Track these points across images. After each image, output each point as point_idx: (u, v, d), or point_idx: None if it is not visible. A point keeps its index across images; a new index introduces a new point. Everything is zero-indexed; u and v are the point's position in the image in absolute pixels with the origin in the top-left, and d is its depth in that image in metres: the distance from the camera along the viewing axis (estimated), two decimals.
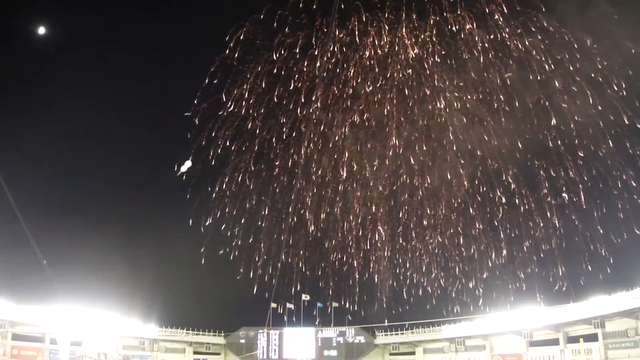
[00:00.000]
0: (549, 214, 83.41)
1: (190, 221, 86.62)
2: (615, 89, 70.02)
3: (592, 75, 71.29)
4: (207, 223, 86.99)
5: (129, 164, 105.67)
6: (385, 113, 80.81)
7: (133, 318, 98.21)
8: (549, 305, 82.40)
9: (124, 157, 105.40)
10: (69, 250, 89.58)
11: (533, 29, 71.86)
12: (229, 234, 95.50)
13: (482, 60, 74.80)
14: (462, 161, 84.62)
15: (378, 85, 79.23)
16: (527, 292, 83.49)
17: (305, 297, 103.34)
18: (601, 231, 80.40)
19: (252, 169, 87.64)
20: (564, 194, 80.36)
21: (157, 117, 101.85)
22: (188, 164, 53.45)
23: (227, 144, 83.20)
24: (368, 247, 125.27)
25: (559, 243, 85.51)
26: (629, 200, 77.14)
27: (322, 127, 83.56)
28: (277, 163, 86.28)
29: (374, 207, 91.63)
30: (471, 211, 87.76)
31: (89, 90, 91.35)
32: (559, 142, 78.34)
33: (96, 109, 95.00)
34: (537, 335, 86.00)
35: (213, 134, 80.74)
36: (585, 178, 78.71)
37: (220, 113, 79.93)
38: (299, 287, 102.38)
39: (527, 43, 72.65)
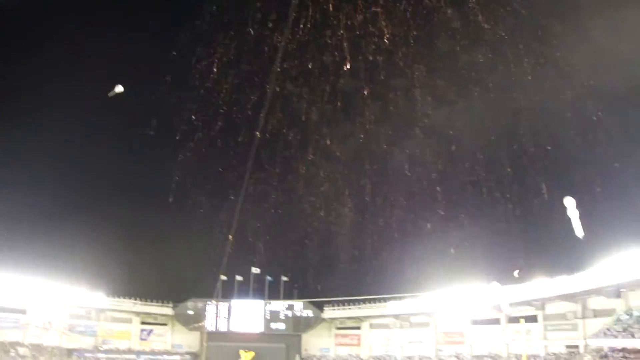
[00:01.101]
0: (508, 198, 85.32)
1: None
2: (582, 77, 71.11)
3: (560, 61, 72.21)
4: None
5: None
6: (355, 89, 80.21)
7: (80, 287, 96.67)
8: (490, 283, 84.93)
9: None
10: (13, 218, 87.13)
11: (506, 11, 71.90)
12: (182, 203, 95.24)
13: (454, 40, 74.84)
14: (429, 140, 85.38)
15: (348, 60, 78.41)
16: (472, 272, 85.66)
17: (255, 270, 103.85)
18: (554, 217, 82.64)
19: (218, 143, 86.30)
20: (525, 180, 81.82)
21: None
22: (119, 88, 51.40)
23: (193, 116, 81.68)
24: (324, 222, 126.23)
25: (510, 227, 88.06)
26: (586, 189, 79.64)
27: (289, 102, 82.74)
28: (240, 138, 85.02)
29: (336, 183, 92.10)
30: (432, 190, 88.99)
31: None
32: (525, 126, 79.51)
33: None
34: (479, 314, 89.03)
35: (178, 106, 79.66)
36: (548, 164, 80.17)
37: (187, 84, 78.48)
38: (249, 260, 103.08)
39: (500, 25, 72.73)
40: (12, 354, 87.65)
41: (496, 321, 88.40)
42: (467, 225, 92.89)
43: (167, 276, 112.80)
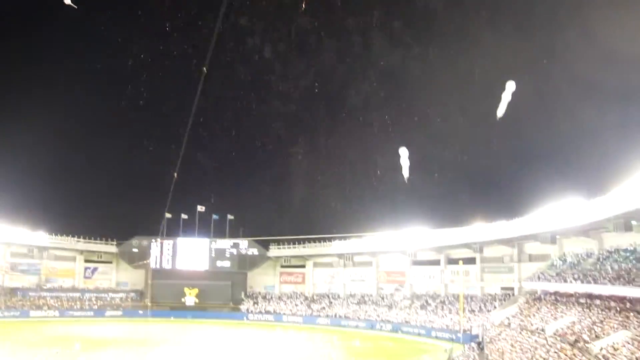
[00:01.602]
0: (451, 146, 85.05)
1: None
2: None
3: None
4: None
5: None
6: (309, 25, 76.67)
7: (21, 226, 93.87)
8: (434, 228, 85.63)
9: None
10: None
11: None
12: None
13: None
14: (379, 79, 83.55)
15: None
16: (415, 215, 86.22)
17: (200, 208, 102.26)
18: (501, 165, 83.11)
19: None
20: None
21: None
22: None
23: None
24: (272, 162, 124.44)
25: (452, 173, 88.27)
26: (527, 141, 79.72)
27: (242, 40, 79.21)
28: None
29: (287, 123, 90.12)
30: (381, 134, 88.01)
31: None
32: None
33: None
34: (420, 255, 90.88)
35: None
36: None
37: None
38: (195, 198, 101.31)
39: None
40: None
41: (436, 262, 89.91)
42: (410, 170, 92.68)
43: (111, 214, 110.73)
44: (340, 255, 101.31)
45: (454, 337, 71.55)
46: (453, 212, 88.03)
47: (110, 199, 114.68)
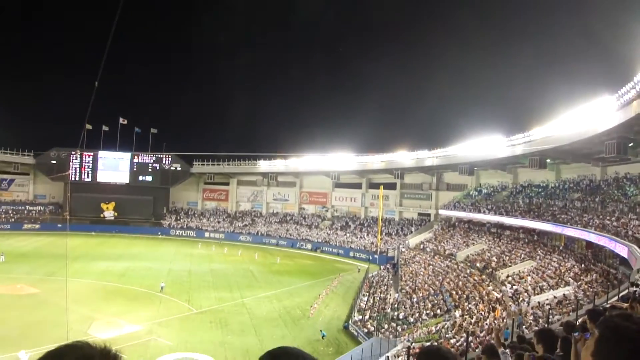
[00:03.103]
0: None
1: None
2: None
3: None
4: None
5: None
6: None
7: None
8: (358, 153, 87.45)
9: None
10: None
11: None
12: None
13: None
14: None
15: None
16: (340, 140, 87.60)
17: (122, 120, 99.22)
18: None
19: None
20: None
21: None
22: None
23: None
24: (200, 74, 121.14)
25: (377, 102, 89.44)
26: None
27: None
28: None
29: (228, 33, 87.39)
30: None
31: None
32: None
33: None
34: (343, 178, 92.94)
35: None
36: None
37: None
38: (116, 109, 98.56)
39: None
40: None
41: (358, 186, 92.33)
42: (341, 96, 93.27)
43: (28, 124, 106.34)
44: (264, 175, 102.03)
45: (370, 258, 74.91)
46: (377, 139, 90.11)
47: (26, 108, 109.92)
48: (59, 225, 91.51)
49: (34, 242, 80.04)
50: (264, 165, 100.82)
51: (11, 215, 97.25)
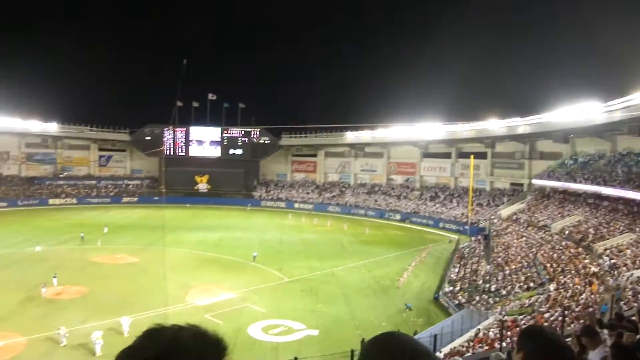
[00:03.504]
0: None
1: None
2: None
3: None
4: None
5: None
6: None
7: (34, 117, 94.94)
8: (446, 122, 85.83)
9: None
10: None
11: None
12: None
13: None
14: None
15: None
16: (428, 109, 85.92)
17: (212, 96, 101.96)
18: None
19: None
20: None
21: None
22: None
23: None
24: (286, 49, 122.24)
25: (467, 68, 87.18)
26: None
27: None
28: None
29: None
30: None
31: None
32: None
33: None
34: (432, 147, 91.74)
35: None
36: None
37: None
38: (205, 85, 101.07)
39: None
40: None
41: (447, 155, 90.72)
42: (429, 64, 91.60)
43: (124, 103, 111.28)
44: (351, 146, 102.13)
45: (460, 229, 73.89)
46: (467, 108, 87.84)
47: (122, 88, 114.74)
48: (155, 198, 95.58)
49: (132, 215, 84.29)
50: (351, 137, 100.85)
51: (110, 189, 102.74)
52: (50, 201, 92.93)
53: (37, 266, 48.36)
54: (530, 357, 2.44)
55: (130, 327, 33.15)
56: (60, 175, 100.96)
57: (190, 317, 35.47)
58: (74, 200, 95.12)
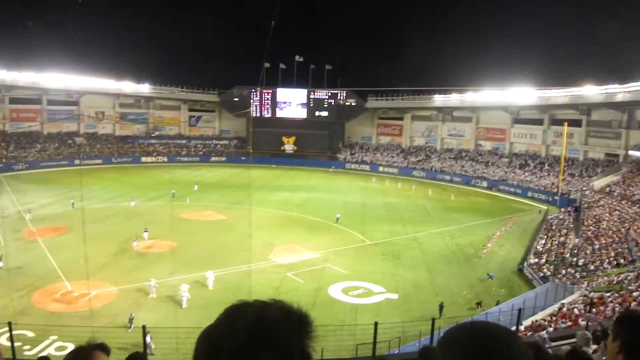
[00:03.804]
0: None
1: None
2: None
3: None
4: None
5: None
6: None
7: (128, 79, 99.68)
8: (539, 87, 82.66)
9: None
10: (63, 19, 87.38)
11: None
12: None
13: None
14: None
15: None
16: (520, 73, 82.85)
17: (298, 58, 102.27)
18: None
19: None
20: None
21: None
22: None
23: None
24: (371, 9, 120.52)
25: (562, 31, 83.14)
26: None
27: None
28: None
29: None
30: None
31: None
32: None
33: None
34: (523, 113, 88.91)
35: None
36: None
37: None
38: (293, 47, 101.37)
39: None
40: (70, 142, 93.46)
41: (539, 122, 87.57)
42: (521, 26, 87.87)
43: (212, 64, 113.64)
44: (439, 109, 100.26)
45: (550, 199, 71.61)
46: (561, 73, 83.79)
47: (211, 50, 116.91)
48: (243, 158, 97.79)
49: (220, 174, 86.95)
50: (439, 100, 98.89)
51: (200, 148, 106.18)
52: (143, 159, 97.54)
53: (130, 220, 51.12)
54: (628, 347, 2.13)
55: (215, 281, 34.79)
56: (152, 135, 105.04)
57: (273, 275, 36.96)
58: (165, 159, 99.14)
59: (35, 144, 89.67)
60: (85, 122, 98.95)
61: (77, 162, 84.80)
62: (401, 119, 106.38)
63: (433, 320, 13.55)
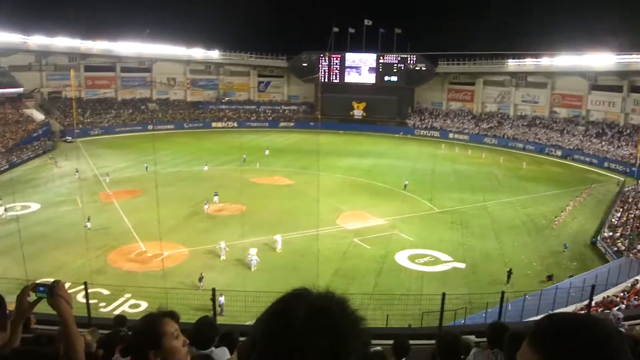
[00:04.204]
0: None
1: None
2: None
3: None
4: None
5: None
6: None
7: (198, 46, 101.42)
8: (619, 52, 78.73)
9: None
10: None
11: None
12: None
13: None
14: None
15: None
16: (598, 36, 79.01)
17: (367, 22, 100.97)
18: None
19: None
20: None
21: None
22: None
23: None
24: None
25: None
26: None
27: None
28: None
29: None
30: None
31: None
32: None
33: None
34: (601, 80, 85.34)
35: None
36: None
37: None
38: (361, 11, 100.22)
39: None
40: (142, 108, 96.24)
41: (618, 89, 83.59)
42: None
43: (281, 30, 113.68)
44: (512, 75, 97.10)
45: (627, 171, 68.52)
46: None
47: (280, 15, 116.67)
48: (311, 124, 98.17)
49: (289, 139, 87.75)
50: (512, 65, 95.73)
51: (269, 114, 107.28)
52: (213, 124, 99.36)
53: (201, 184, 52.45)
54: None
55: (283, 244, 35.46)
56: (222, 100, 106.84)
57: (340, 240, 37.29)
58: (235, 124, 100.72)
59: (110, 110, 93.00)
60: (158, 89, 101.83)
61: (150, 127, 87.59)
62: (473, 84, 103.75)
63: (502, 293, 13.35)
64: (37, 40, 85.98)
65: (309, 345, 1.38)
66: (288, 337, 1.41)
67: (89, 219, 38.57)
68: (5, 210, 42.33)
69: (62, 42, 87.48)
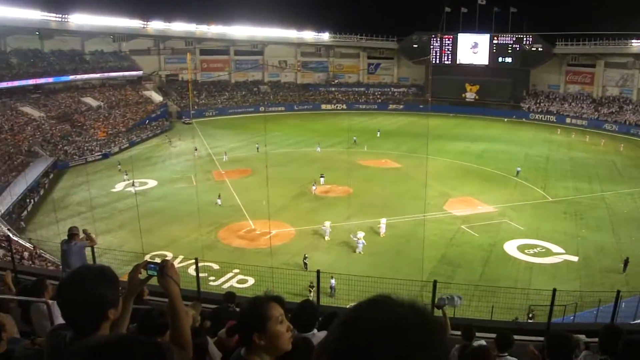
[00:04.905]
0: None
1: None
2: None
3: None
4: None
5: None
6: None
7: (308, 29, 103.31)
8: None
9: None
10: None
11: None
12: None
13: None
14: None
15: None
16: None
17: (481, 0, 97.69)
18: None
19: None
20: None
21: None
22: None
23: None
24: None
25: None
26: None
27: None
28: None
29: None
30: None
31: None
32: None
33: None
34: None
35: None
36: None
37: None
38: None
39: None
40: (255, 89, 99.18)
41: None
42: None
43: (391, 10, 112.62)
44: (637, 56, 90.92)
45: None
46: None
47: None
48: (421, 106, 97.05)
49: (397, 121, 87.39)
50: (637, 45, 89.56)
51: (378, 96, 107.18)
52: (323, 106, 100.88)
53: (310, 165, 53.56)
54: None
55: (387, 228, 35.55)
56: (332, 82, 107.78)
57: (446, 226, 36.97)
58: (344, 106, 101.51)
59: (224, 92, 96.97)
60: (269, 71, 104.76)
61: (261, 109, 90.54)
62: (593, 66, 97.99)
63: (618, 292, 12.78)
64: (156, 26, 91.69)
65: (378, 355, 1.33)
66: (358, 346, 1.37)
67: (219, 196, 40.92)
68: (133, 185, 45.51)
69: (179, 27, 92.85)
